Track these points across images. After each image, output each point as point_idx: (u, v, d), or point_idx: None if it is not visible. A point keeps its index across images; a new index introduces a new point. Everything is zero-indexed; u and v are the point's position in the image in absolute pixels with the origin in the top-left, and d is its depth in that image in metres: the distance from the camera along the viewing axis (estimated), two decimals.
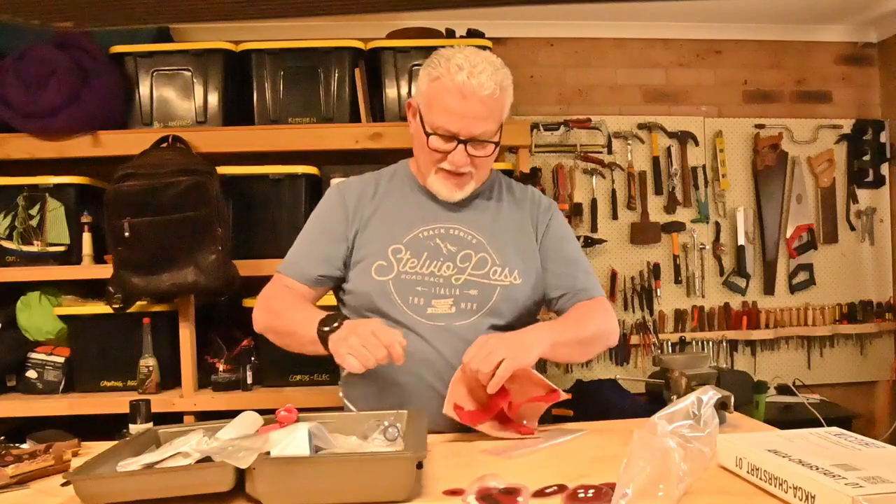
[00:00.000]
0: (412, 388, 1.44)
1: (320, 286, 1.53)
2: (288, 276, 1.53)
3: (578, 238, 3.25)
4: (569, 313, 1.53)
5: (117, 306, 2.29)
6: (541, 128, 3.27)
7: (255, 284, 2.41)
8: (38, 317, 2.43)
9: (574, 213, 3.28)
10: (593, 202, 3.34)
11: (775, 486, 0.95)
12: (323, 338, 1.34)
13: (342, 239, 1.52)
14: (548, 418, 1.48)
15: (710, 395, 0.99)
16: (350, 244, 1.52)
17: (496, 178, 1.61)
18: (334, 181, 2.43)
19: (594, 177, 3.34)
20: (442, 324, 1.45)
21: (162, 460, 1.05)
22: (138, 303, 2.33)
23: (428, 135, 1.44)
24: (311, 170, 2.49)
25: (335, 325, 1.33)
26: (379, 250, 1.49)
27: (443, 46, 1.51)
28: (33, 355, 2.42)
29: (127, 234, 2.17)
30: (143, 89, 2.51)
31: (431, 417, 1.28)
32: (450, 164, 1.45)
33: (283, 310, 1.48)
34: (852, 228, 3.50)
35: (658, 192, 3.38)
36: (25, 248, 2.40)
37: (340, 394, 1.43)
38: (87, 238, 2.43)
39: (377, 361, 1.27)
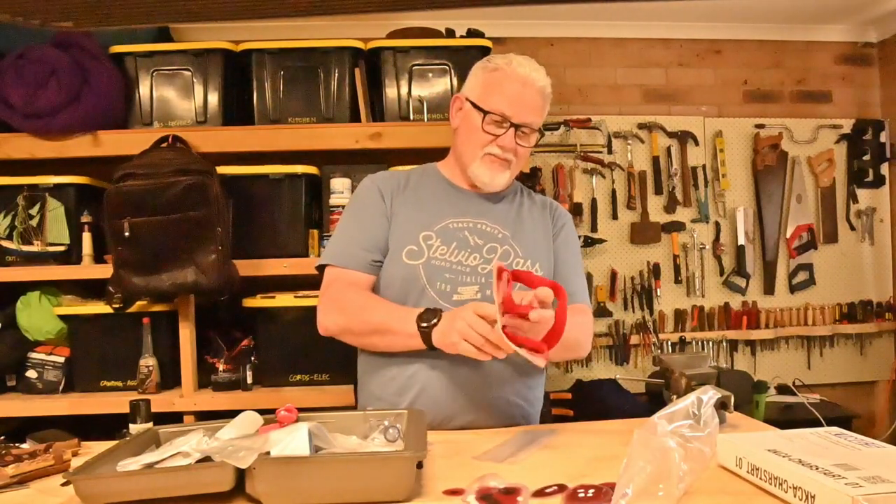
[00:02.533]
0: (434, 369, 1.46)
1: (373, 273, 1.54)
2: (340, 267, 1.53)
3: (578, 238, 3.27)
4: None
5: (117, 306, 2.29)
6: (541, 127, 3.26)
7: (255, 284, 2.44)
8: (38, 317, 2.43)
9: (574, 212, 3.28)
10: (593, 202, 3.34)
11: (775, 485, 0.95)
12: (425, 333, 1.36)
13: (385, 221, 1.56)
14: (548, 418, 1.48)
15: (710, 395, 0.99)
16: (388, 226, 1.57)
17: (517, 185, 1.71)
18: (334, 181, 2.44)
19: (594, 177, 3.34)
20: None
21: (162, 460, 1.05)
22: (138, 303, 2.33)
23: (485, 113, 1.51)
24: (311, 170, 2.49)
25: (434, 321, 1.35)
26: (410, 236, 1.53)
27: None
28: (33, 355, 2.42)
29: (127, 234, 2.17)
30: (143, 89, 2.51)
31: (449, 400, 1.43)
32: (498, 147, 1.53)
33: (361, 310, 1.47)
34: (852, 228, 3.50)
35: (658, 191, 3.38)
36: (25, 248, 2.40)
37: None
38: (87, 238, 2.43)
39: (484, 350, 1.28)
